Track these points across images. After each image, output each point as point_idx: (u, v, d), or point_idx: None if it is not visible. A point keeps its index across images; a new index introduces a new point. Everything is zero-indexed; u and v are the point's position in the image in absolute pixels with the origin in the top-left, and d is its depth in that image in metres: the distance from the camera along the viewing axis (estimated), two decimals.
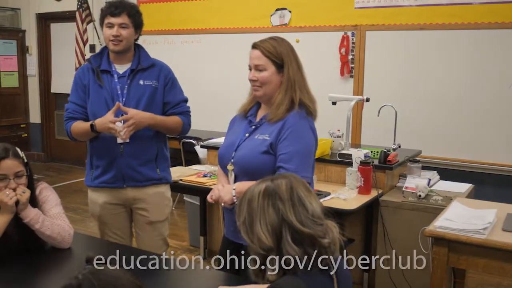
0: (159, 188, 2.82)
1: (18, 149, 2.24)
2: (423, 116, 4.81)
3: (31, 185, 2.26)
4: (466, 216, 2.51)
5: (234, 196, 2.07)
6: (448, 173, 4.29)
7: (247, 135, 2.19)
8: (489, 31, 4.53)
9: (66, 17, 7.36)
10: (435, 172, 3.71)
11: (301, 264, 1.43)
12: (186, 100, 2.99)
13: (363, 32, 5.09)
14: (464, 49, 4.64)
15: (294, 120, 2.10)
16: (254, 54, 2.20)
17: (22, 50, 7.92)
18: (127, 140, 2.61)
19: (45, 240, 2.27)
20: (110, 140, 2.63)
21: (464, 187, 3.47)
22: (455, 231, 2.36)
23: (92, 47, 7.12)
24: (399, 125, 3.90)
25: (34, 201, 2.26)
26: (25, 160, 2.23)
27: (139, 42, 7.18)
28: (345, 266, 1.63)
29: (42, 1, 7.67)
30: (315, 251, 1.45)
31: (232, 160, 2.15)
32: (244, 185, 2.01)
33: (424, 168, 3.79)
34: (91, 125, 2.56)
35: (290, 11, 5.56)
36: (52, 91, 7.94)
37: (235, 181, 2.15)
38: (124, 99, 2.64)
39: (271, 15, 5.69)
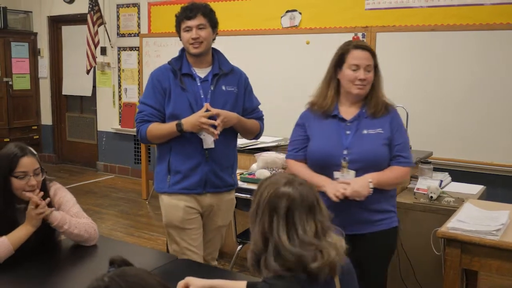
0: (231, 194, 2.83)
1: (32, 149, 2.29)
2: (434, 117, 4.79)
3: (44, 185, 2.29)
4: (478, 218, 2.50)
5: (371, 188, 2.26)
6: (460, 174, 4.26)
7: (348, 132, 2.37)
8: (501, 32, 4.51)
9: (77, 19, 7.42)
10: (447, 173, 3.69)
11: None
12: (259, 105, 2.93)
13: (373, 33, 5.08)
14: (476, 50, 4.61)
15: (397, 114, 2.45)
16: (364, 55, 2.37)
17: (34, 53, 7.99)
18: (214, 143, 2.58)
19: (72, 239, 2.33)
20: (196, 145, 2.59)
21: (476, 188, 3.44)
22: (467, 232, 2.35)
23: (103, 50, 7.18)
24: (410, 127, 3.88)
25: (49, 203, 2.29)
26: (39, 159, 2.28)
27: (149, 43, 7.23)
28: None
29: (53, 4, 7.73)
30: (306, 276, 1.46)
31: (347, 157, 2.32)
32: (377, 176, 2.29)
33: (436, 169, 3.77)
34: (178, 124, 2.51)
35: (300, 13, 5.56)
36: (63, 93, 8.01)
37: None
38: (208, 103, 2.58)
39: (282, 17, 5.69)
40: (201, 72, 2.65)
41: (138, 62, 6.92)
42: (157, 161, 2.74)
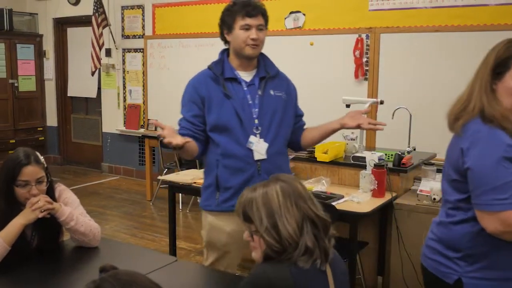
0: None
1: (39, 154, 2.27)
2: (438, 118, 4.71)
3: (50, 188, 2.29)
4: None
5: None
6: None
7: None
8: (506, 32, 4.46)
9: (82, 21, 7.45)
10: None
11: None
12: (303, 115, 2.73)
13: (377, 34, 5.07)
14: (480, 51, 4.53)
15: None
16: None
17: (40, 55, 8.03)
18: (266, 152, 2.38)
19: (76, 237, 2.32)
20: (247, 157, 2.35)
21: None
22: None
23: (108, 51, 7.20)
24: (414, 128, 3.87)
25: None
26: (45, 165, 2.26)
27: (153, 45, 7.25)
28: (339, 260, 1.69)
29: (59, 6, 7.77)
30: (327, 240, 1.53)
31: None
32: None
33: (440, 171, 3.76)
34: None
35: (304, 14, 5.56)
36: (68, 94, 8.04)
37: None
38: (257, 109, 2.38)
39: (285, 18, 5.69)
40: (246, 76, 2.44)
41: (143, 64, 6.94)
42: (204, 174, 2.50)
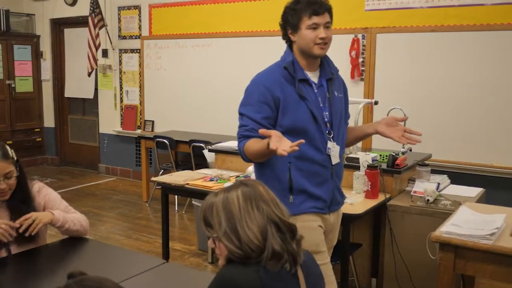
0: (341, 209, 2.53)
1: (8, 148, 2.25)
2: (434, 119, 4.74)
3: (24, 184, 2.28)
4: (473, 221, 2.45)
5: None
6: (460, 177, 4.22)
7: None
8: (502, 32, 4.45)
9: (79, 22, 7.42)
10: (446, 176, 3.65)
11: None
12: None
13: (373, 34, 5.05)
14: (476, 51, 4.56)
15: None
16: None
17: (37, 55, 8.01)
18: (339, 160, 2.33)
19: (69, 234, 2.36)
20: (324, 161, 2.29)
21: (475, 191, 3.40)
22: (461, 237, 2.30)
23: (105, 52, 7.18)
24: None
25: (29, 199, 2.29)
26: (15, 159, 2.24)
27: (150, 45, 7.24)
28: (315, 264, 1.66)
29: (56, 7, 7.75)
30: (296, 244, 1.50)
31: None
32: None
33: (435, 172, 3.73)
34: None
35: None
36: (65, 95, 8.01)
37: None
38: (327, 113, 2.31)
39: None
40: (313, 77, 2.34)
41: (139, 64, 6.92)
42: (266, 178, 2.26)
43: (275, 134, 2.04)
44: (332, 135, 2.31)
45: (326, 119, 2.30)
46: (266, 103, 2.24)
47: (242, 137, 2.25)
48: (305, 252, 1.55)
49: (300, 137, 2.19)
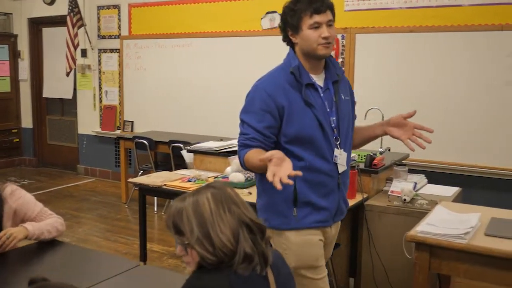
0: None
1: None
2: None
3: None
4: (448, 221, 2.46)
5: None
6: (437, 176, 4.25)
7: None
8: (479, 33, 4.50)
9: (58, 21, 7.33)
10: (423, 175, 3.67)
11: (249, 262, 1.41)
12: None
13: (352, 35, 5.06)
14: (454, 51, 4.60)
15: None
16: None
17: (14, 55, 7.90)
18: (346, 168, 2.22)
19: (46, 240, 2.34)
20: (331, 171, 2.18)
21: (451, 190, 3.42)
22: (436, 236, 2.31)
23: (84, 52, 7.11)
24: None
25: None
26: None
27: (129, 45, 7.16)
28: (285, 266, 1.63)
29: (34, 6, 7.64)
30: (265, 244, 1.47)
31: None
32: None
33: (413, 171, 3.75)
34: None
35: (280, 14, 5.51)
36: (44, 95, 7.91)
37: None
38: (334, 118, 2.19)
39: (261, 18, 5.66)
40: (318, 80, 2.20)
41: (119, 64, 6.85)
42: (266, 190, 2.21)
43: (276, 157, 1.90)
44: (339, 142, 2.20)
45: (333, 125, 2.18)
46: (269, 111, 2.11)
47: (243, 145, 2.15)
48: (274, 252, 1.53)
49: (307, 146, 2.13)
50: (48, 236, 2.32)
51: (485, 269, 2.22)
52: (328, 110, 2.17)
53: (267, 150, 2.08)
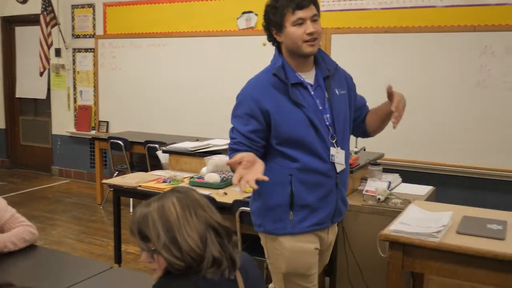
0: (336, 226, 2.38)
1: None
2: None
3: None
4: (421, 219, 2.48)
5: None
6: (411, 175, 4.29)
7: None
8: (452, 33, 4.56)
9: (31, 20, 7.21)
10: (397, 175, 3.70)
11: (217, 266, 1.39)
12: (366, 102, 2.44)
13: (328, 35, 5.08)
14: (428, 52, 4.66)
15: None
16: None
17: None
18: (344, 166, 2.15)
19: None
20: (329, 171, 2.11)
21: (425, 189, 3.46)
22: (409, 235, 2.33)
23: (58, 51, 7.00)
24: None
25: None
26: None
27: (104, 45, 7.09)
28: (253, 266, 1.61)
29: (6, 4, 7.50)
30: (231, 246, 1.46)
31: None
32: None
33: (388, 171, 3.78)
34: None
35: (256, 14, 5.52)
36: (17, 95, 7.77)
37: None
38: (328, 115, 2.12)
39: (238, 18, 5.64)
40: (307, 77, 2.13)
41: (94, 64, 6.77)
42: (265, 193, 2.16)
43: (246, 160, 1.87)
44: (335, 140, 2.13)
45: (327, 123, 2.11)
46: (253, 116, 2.07)
47: (231, 150, 2.11)
48: (242, 255, 1.51)
49: (300, 147, 2.08)
50: (13, 248, 2.23)
51: (457, 267, 2.25)
52: (320, 108, 2.10)
53: (256, 154, 2.05)
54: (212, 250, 1.37)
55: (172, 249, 1.35)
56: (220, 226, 1.42)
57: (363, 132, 2.35)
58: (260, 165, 1.91)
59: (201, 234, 1.37)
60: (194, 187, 3.36)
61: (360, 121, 2.31)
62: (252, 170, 1.87)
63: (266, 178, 1.86)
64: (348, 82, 2.27)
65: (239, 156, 1.90)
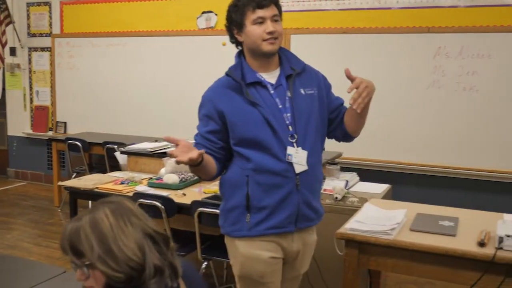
0: (315, 234, 2.35)
1: None
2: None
3: None
4: (376, 218, 2.53)
5: None
6: (369, 174, 4.36)
7: None
8: (407, 34, 4.66)
9: None
10: (355, 173, 3.76)
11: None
12: (343, 102, 2.39)
13: (287, 35, 5.11)
14: (384, 53, 4.74)
15: None
16: None
17: None
18: (306, 168, 2.10)
19: None
20: (286, 171, 2.07)
21: (381, 187, 3.52)
22: (364, 233, 2.37)
23: (13, 50, 6.82)
24: None
25: None
26: None
27: (61, 44, 6.94)
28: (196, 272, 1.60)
29: None
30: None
31: None
32: None
33: (346, 169, 3.84)
34: None
35: (216, 14, 5.51)
36: None
37: None
38: (288, 114, 2.09)
39: (197, 18, 5.62)
40: (270, 77, 2.13)
41: (50, 64, 6.62)
42: (224, 195, 2.19)
43: (182, 144, 1.89)
44: (296, 139, 2.09)
45: (287, 122, 2.09)
46: (211, 117, 2.09)
47: None
48: (183, 262, 1.46)
49: (255, 147, 2.06)
50: None
51: (411, 263, 2.30)
52: (280, 106, 2.08)
53: (214, 156, 2.09)
54: (152, 258, 1.31)
55: (108, 260, 1.28)
56: (156, 234, 1.36)
57: (343, 133, 2.30)
58: (196, 151, 1.92)
59: (138, 242, 1.31)
60: (153, 188, 3.35)
61: (339, 122, 2.28)
62: (189, 153, 1.89)
63: (201, 152, 1.91)
64: (319, 82, 2.26)
65: (177, 139, 1.90)
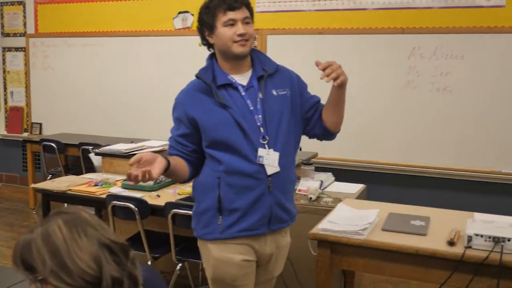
0: (288, 237, 2.35)
1: None
2: None
3: None
4: (349, 218, 2.54)
5: None
6: (344, 174, 4.39)
7: None
8: (382, 35, 4.70)
9: None
10: (330, 173, 3.77)
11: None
12: (320, 100, 2.41)
13: (264, 36, 5.12)
14: (360, 53, 4.78)
15: None
16: None
17: None
18: (279, 164, 2.09)
19: None
20: (257, 173, 2.06)
21: (356, 187, 3.55)
22: (336, 233, 2.38)
23: None
24: None
25: None
26: None
27: (36, 44, 6.84)
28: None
29: None
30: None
31: None
32: None
33: (322, 169, 3.85)
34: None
35: (192, 14, 5.49)
36: None
37: None
38: (260, 116, 2.08)
39: (174, 18, 5.59)
40: (242, 79, 2.12)
41: (25, 64, 6.53)
42: (196, 197, 2.18)
43: (144, 159, 1.87)
44: (267, 141, 2.08)
45: (259, 123, 2.08)
46: (182, 120, 2.10)
47: (168, 154, 2.11)
48: (146, 270, 1.40)
49: (224, 149, 2.06)
50: None
51: (383, 263, 2.31)
52: (251, 108, 2.08)
53: (185, 159, 2.10)
54: (110, 270, 1.25)
55: (62, 274, 1.20)
56: (114, 244, 1.30)
57: (324, 130, 2.28)
58: (159, 163, 1.91)
59: (94, 254, 1.24)
60: (127, 189, 3.32)
61: (317, 119, 2.28)
62: (148, 166, 1.88)
63: (147, 170, 1.87)
64: (292, 82, 2.25)
65: (138, 156, 1.88)
